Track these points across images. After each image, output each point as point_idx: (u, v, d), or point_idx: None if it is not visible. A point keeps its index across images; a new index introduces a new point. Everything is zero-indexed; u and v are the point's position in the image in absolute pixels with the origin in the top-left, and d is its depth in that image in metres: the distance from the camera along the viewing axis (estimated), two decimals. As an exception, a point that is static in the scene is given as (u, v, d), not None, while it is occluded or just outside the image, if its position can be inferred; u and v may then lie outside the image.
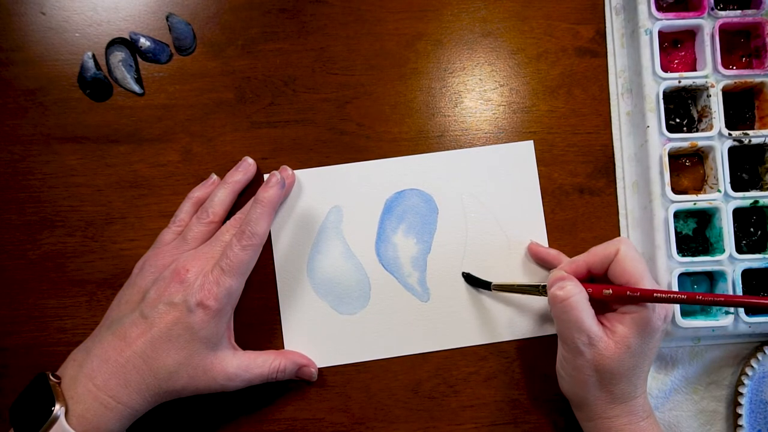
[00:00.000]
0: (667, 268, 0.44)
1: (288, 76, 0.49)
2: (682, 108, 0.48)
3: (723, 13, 0.46)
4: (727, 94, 0.47)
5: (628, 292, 0.38)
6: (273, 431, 0.46)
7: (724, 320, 0.44)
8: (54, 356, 0.46)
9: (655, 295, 0.38)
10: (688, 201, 0.45)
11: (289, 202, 0.48)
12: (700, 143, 0.45)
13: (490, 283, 0.46)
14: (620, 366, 0.39)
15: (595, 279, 0.42)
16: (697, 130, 0.47)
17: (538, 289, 0.43)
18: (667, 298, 0.38)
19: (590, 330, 0.38)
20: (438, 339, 0.47)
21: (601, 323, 0.39)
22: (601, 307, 0.41)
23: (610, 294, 0.39)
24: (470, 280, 0.47)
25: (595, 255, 0.41)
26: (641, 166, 0.47)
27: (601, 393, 0.40)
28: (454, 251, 0.48)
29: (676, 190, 0.46)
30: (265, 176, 0.48)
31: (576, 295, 0.39)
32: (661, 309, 0.39)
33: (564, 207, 0.48)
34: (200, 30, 0.49)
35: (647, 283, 0.39)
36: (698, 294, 0.38)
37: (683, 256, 0.46)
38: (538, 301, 0.47)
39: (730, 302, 0.38)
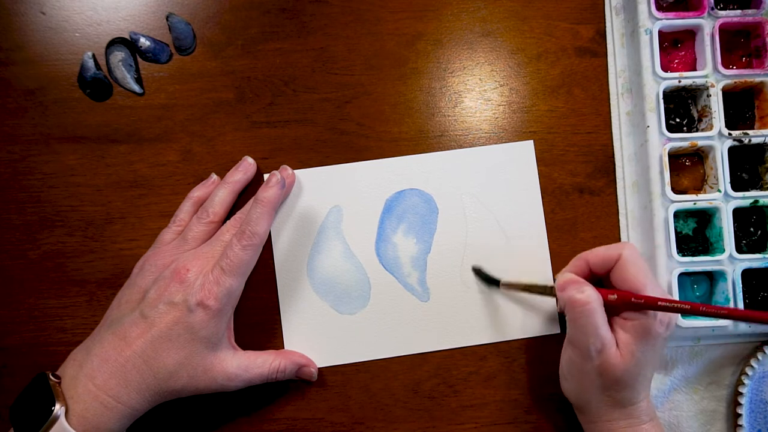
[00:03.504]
0: (667, 267, 0.44)
1: (288, 76, 0.49)
2: (682, 108, 0.48)
3: (723, 12, 0.46)
4: (727, 93, 0.47)
5: (632, 299, 0.38)
6: (273, 431, 0.46)
7: (724, 320, 0.44)
8: (54, 356, 0.46)
9: (659, 303, 0.37)
10: (688, 201, 0.45)
11: (289, 202, 0.48)
12: (700, 143, 0.45)
13: (499, 281, 0.45)
14: (624, 374, 0.38)
15: (598, 280, 0.42)
16: (697, 130, 0.47)
17: (546, 290, 0.42)
18: (670, 307, 0.37)
19: (605, 337, 0.38)
20: (438, 339, 0.47)
21: None
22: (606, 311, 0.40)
23: (615, 299, 0.38)
24: (480, 275, 0.47)
25: (596, 255, 0.41)
26: (641, 165, 0.47)
27: (603, 397, 0.40)
28: (454, 251, 0.48)
29: (676, 190, 0.46)
30: (265, 176, 0.48)
31: (595, 301, 0.38)
32: (663, 316, 0.39)
33: (564, 207, 0.48)
34: (200, 30, 0.49)
35: (651, 291, 0.38)
36: (702, 305, 0.37)
37: (683, 255, 0.46)
38: (539, 301, 0.47)
39: (733, 315, 0.38)
